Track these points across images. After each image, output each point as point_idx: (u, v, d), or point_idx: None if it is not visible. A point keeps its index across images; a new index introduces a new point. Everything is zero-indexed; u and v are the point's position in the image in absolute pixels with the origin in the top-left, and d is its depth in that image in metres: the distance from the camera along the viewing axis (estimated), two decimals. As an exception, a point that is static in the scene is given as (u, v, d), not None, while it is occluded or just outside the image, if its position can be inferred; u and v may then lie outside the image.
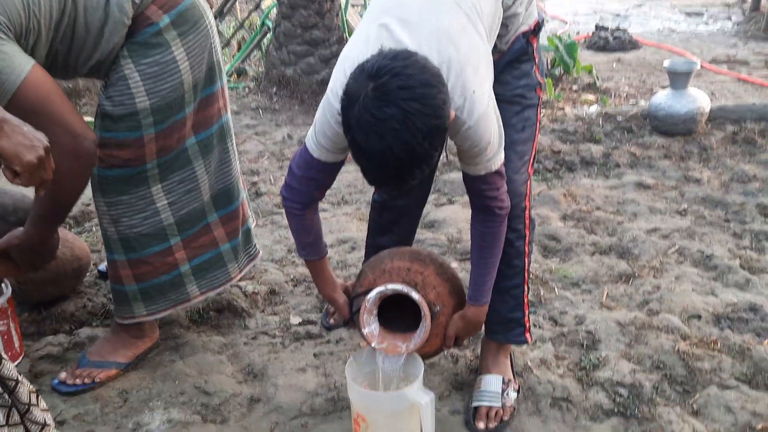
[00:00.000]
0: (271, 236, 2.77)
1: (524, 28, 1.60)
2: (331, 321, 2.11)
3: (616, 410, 1.72)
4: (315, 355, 1.98)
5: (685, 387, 1.80)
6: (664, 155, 3.51)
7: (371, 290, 1.55)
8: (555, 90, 4.85)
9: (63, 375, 1.83)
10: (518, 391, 1.76)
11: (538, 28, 1.62)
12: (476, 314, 1.62)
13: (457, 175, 3.16)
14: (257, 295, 2.28)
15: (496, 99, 1.47)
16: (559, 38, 5.31)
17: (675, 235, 2.66)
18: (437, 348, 1.66)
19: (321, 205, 3.03)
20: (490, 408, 1.67)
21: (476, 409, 1.68)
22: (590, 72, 5.30)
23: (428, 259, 1.64)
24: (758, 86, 4.88)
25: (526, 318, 1.74)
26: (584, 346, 1.99)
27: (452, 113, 1.29)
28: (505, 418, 1.67)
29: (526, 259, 1.70)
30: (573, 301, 2.24)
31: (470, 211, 1.59)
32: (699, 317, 2.09)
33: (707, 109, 3.72)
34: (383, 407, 1.47)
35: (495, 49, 1.56)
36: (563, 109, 4.37)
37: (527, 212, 1.66)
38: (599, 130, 3.89)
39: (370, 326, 1.56)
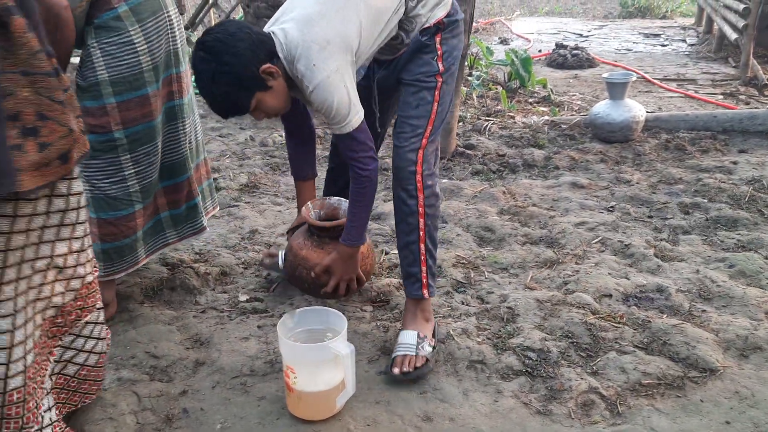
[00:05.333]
0: (227, 226, 2.94)
1: (427, 25, 1.89)
2: (267, 261, 2.43)
3: (524, 371, 1.92)
4: (259, 326, 2.16)
5: (588, 352, 2.01)
6: (601, 159, 3.76)
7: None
8: (510, 101, 5.12)
9: None
10: (433, 348, 1.96)
11: (444, 26, 1.90)
12: (345, 252, 1.96)
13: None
14: (209, 276, 2.46)
15: (400, 83, 1.93)
16: (516, 53, 5.59)
17: (600, 228, 2.89)
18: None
19: (277, 199, 3.21)
20: (405, 356, 1.89)
21: (393, 359, 1.89)
22: (545, 86, 5.59)
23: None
24: (703, 103, 5.19)
25: (423, 274, 1.97)
26: (504, 319, 2.19)
27: (298, 74, 1.73)
28: (418, 364, 1.88)
29: (421, 219, 1.93)
30: (500, 283, 2.44)
31: None
32: (610, 296, 2.31)
33: (642, 118, 3.99)
34: (309, 358, 1.65)
35: (402, 42, 1.91)
36: (513, 118, 4.63)
37: (418, 176, 1.90)
38: (544, 136, 4.15)
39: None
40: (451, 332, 2.07)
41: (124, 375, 1.88)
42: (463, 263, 2.58)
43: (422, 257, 1.96)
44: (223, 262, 2.57)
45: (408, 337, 1.93)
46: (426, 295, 1.99)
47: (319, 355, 1.64)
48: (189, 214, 2.25)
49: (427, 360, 1.90)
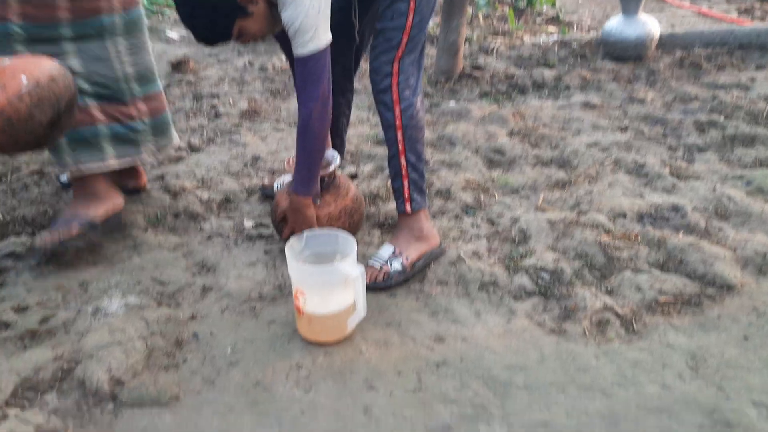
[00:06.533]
0: (228, 153, 2.87)
1: None
2: (266, 182, 2.46)
3: (537, 291, 1.89)
4: (266, 252, 2.12)
5: (602, 272, 1.97)
6: (613, 78, 3.64)
7: None
8: (517, 21, 4.93)
9: (40, 240, 1.99)
10: (406, 268, 1.92)
11: None
12: (294, 202, 1.86)
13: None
14: (212, 202, 2.40)
15: None
16: (522, -30, 5.35)
17: (613, 147, 2.81)
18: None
19: (278, 125, 3.13)
20: (372, 268, 1.91)
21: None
22: (553, 5, 5.38)
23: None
24: (717, 20, 4.99)
25: (405, 188, 1.95)
26: (515, 241, 2.14)
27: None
28: (377, 278, 1.89)
29: (399, 132, 1.89)
30: (511, 206, 2.38)
31: None
32: (624, 216, 2.26)
33: (657, 35, 3.83)
34: (319, 280, 1.61)
35: None
36: (522, 38, 4.46)
37: (394, 87, 1.86)
38: (554, 56, 4.00)
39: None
40: (462, 254, 2.03)
41: (131, 301, 1.85)
42: (472, 186, 2.51)
43: (403, 170, 1.94)
44: (226, 188, 2.50)
45: (383, 250, 1.96)
46: (408, 209, 1.96)
47: (329, 277, 1.60)
48: (162, 127, 2.25)
49: (389, 276, 1.90)
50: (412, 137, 1.91)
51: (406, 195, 1.96)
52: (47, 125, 1.66)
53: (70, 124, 1.81)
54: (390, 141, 1.93)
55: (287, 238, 1.89)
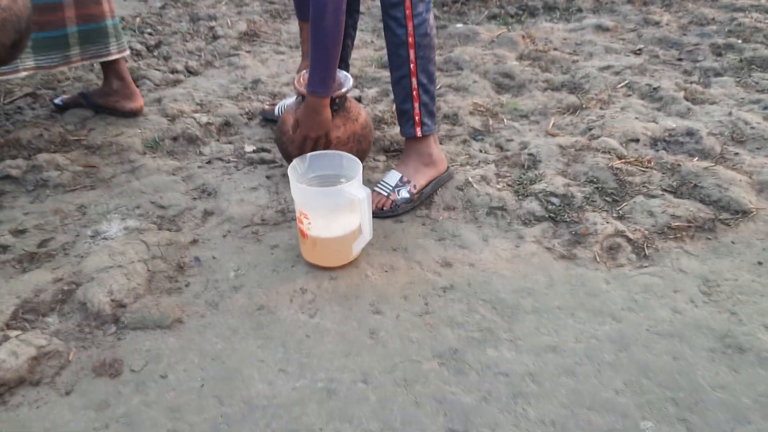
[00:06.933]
0: (227, 76, 2.77)
1: None
2: (267, 106, 2.38)
3: (547, 216, 1.84)
4: (267, 177, 2.06)
5: (614, 197, 1.92)
6: (628, 0, 3.48)
7: None
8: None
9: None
10: (413, 196, 1.87)
11: None
12: (309, 103, 1.74)
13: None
14: (212, 126, 2.33)
15: None
16: None
17: (627, 71, 2.70)
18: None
19: (279, 48, 3.02)
20: (378, 195, 1.85)
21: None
22: None
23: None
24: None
25: (416, 111, 1.86)
26: (525, 166, 2.08)
27: None
28: (384, 206, 1.84)
29: (411, 50, 1.79)
30: (520, 131, 2.31)
31: None
32: (637, 140, 2.18)
33: (675, -47, 3.65)
34: (324, 202, 1.56)
35: None
36: (532, -43, 4.26)
37: (407, 2, 1.74)
38: (565, -24, 3.82)
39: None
40: (470, 179, 1.97)
41: (130, 224, 1.81)
42: (480, 111, 2.43)
43: (414, 92, 1.84)
44: (225, 112, 2.42)
45: (390, 177, 1.89)
46: (419, 133, 1.89)
47: (334, 200, 1.55)
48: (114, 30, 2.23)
49: (396, 205, 1.84)
50: (425, 56, 1.81)
51: (417, 119, 1.87)
52: (10, 47, 1.58)
53: (28, 43, 1.75)
54: (400, 60, 1.82)
55: (300, 148, 1.81)
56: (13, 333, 1.41)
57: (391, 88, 2.57)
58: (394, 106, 1.94)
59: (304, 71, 1.93)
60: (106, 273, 1.57)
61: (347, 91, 1.86)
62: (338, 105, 1.87)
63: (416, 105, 1.85)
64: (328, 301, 1.56)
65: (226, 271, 1.66)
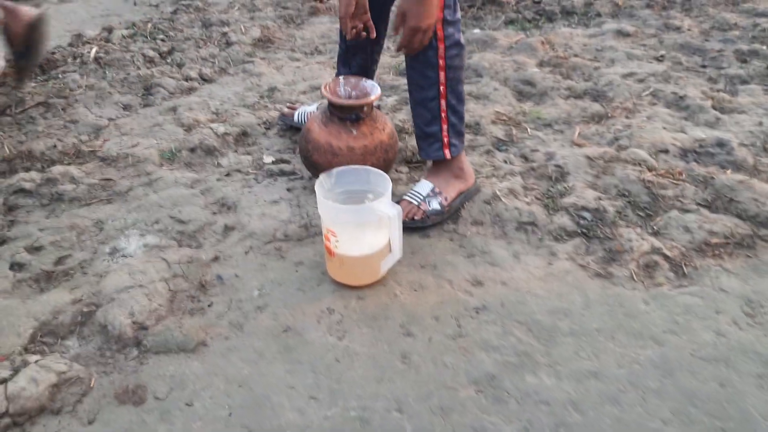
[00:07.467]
0: (242, 84, 2.72)
1: None
2: (285, 110, 2.33)
3: (579, 231, 1.78)
4: (288, 189, 2.00)
5: (647, 211, 1.85)
6: (647, 5, 3.42)
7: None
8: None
9: None
10: (444, 208, 1.81)
11: None
12: None
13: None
14: (229, 136, 2.27)
15: None
16: None
17: (650, 79, 2.64)
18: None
19: (294, 54, 2.96)
20: (409, 204, 1.79)
21: (398, 203, 1.79)
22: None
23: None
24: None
25: (444, 133, 1.78)
26: (552, 178, 2.02)
27: None
28: (415, 216, 1.77)
29: (442, 73, 1.70)
30: (545, 140, 2.25)
31: None
32: (667, 151, 2.12)
33: (694, -43, 3.59)
34: (353, 220, 1.50)
35: None
36: (547, -39, 4.20)
37: (439, 24, 1.64)
38: (582, -20, 3.76)
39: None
40: (497, 192, 1.91)
41: (149, 241, 1.75)
42: (503, 119, 2.37)
43: (443, 114, 1.75)
44: (242, 121, 2.37)
45: (421, 187, 1.83)
46: (447, 155, 1.80)
47: (364, 217, 1.49)
48: None
49: (427, 216, 1.78)
50: (455, 78, 1.72)
51: (446, 141, 1.78)
52: None
53: None
54: (428, 82, 1.72)
55: (408, 43, 1.57)
56: (32, 358, 1.35)
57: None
58: (414, 128, 1.84)
59: (341, 77, 1.89)
60: (127, 293, 1.52)
61: (375, 99, 1.81)
62: (366, 114, 1.82)
63: (444, 127, 1.77)
64: (357, 322, 1.50)
65: (250, 289, 1.60)
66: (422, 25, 1.54)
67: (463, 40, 1.73)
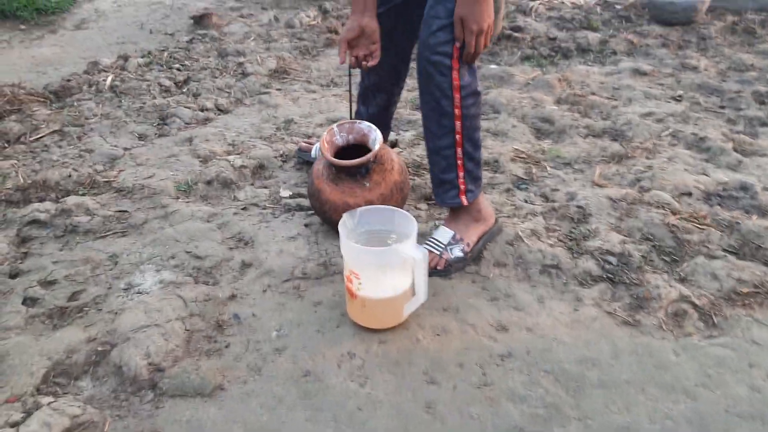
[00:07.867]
0: (259, 115, 2.70)
1: None
2: (303, 144, 2.29)
3: (604, 276, 1.74)
4: (306, 225, 1.97)
5: (673, 257, 1.82)
6: (662, 44, 3.43)
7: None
8: (552, -20, 4.67)
9: None
10: (466, 255, 1.76)
11: None
12: None
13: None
14: (246, 169, 2.25)
15: None
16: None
17: (669, 119, 2.63)
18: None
19: (310, 86, 2.96)
20: (431, 254, 1.74)
21: None
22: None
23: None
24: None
25: (461, 180, 1.73)
26: (575, 219, 1.99)
27: None
28: (438, 267, 1.73)
29: (457, 122, 1.65)
30: (565, 180, 2.22)
31: None
32: (690, 194, 2.09)
33: (709, -2, 3.61)
34: (377, 263, 1.47)
35: None
36: (561, -3, 4.23)
37: (455, 74, 1.59)
38: (597, 18, 3.78)
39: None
40: (520, 233, 1.88)
41: (165, 277, 1.71)
42: (522, 157, 2.35)
43: (459, 162, 1.70)
44: (259, 154, 2.34)
45: (441, 235, 1.78)
46: (464, 202, 1.75)
47: (388, 260, 1.46)
48: None
49: (450, 264, 1.74)
50: (471, 126, 1.68)
51: (462, 188, 1.74)
52: None
53: None
54: (441, 130, 1.67)
55: (474, 47, 1.53)
56: (44, 399, 1.31)
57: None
58: (430, 173, 1.79)
59: (335, 125, 1.82)
60: (143, 333, 1.48)
61: (380, 150, 1.77)
62: (375, 162, 1.78)
63: (461, 174, 1.72)
64: (379, 368, 1.45)
65: (268, 330, 1.56)
66: (483, 25, 1.52)
67: (480, 88, 1.69)
